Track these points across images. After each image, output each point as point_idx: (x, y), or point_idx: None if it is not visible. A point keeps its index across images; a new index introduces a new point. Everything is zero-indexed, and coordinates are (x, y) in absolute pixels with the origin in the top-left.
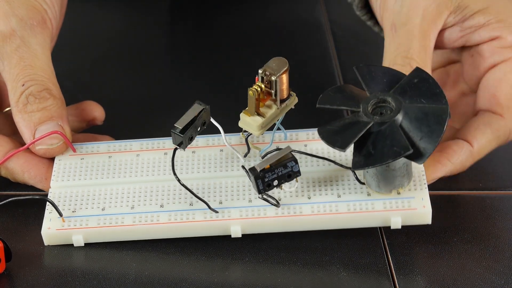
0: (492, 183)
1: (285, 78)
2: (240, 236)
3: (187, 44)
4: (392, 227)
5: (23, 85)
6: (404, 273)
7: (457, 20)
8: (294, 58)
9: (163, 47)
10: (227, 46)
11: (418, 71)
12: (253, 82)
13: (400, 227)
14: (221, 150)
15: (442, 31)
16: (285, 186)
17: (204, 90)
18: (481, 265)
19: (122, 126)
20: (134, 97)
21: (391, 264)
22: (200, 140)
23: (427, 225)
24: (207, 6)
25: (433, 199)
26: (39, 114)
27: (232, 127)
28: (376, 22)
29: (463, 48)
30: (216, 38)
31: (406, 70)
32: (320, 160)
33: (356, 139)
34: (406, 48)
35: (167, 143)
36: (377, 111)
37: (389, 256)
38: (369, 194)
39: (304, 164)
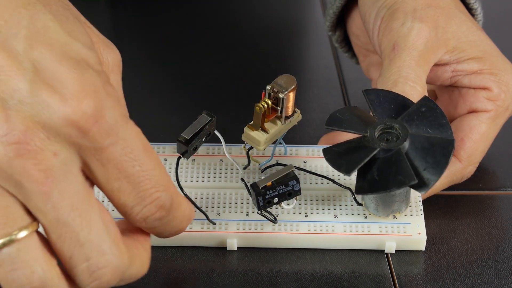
0: (492, 183)
1: (292, 96)
2: (236, 249)
3: (185, 44)
4: (386, 251)
5: None
6: (404, 272)
7: (452, 60)
8: (294, 59)
9: (164, 47)
10: (224, 47)
11: (426, 100)
12: (254, 84)
13: (394, 251)
14: (221, 160)
15: (435, 68)
16: (284, 203)
17: (206, 93)
18: (481, 265)
19: None
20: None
21: (391, 264)
22: (200, 149)
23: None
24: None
25: (434, 199)
26: None
27: (232, 131)
28: (354, 55)
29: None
30: (214, 37)
31: (406, 91)
32: (319, 178)
33: (362, 164)
34: (408, 71)
35: (168, 148)
36: (383, 137)
37: (389, 256)
38: (365, 217)
39: (303, 181)
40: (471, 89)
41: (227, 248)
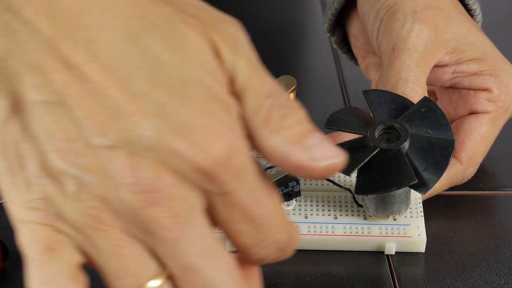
0: (492, 183)
1: (292, 97)
2: (235, 249)
3: None
4: (385, 253)
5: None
6: (405, 273)
7: (452, 62)
8: (294, 59)
9: None
10: None
11: (426, 101)
12: None
13: (393, 253)
14: None
15: (435, 69)
16: (283, 204)
17: None
18: (481, 265)
19: None
20: None
21: (391, 264)
22: None
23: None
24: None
25: (434, 199)
26: (300, 127)
27: None
28: (353, 56)
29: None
30: None
31: (407, 93)
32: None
33: (362, 164)
34: (407, 73)
35: None
36: (383, 137)
37: (389, 256)
38: (365, 218)
39: (303, 182)
40: (471, 91)
41: (227, 248)
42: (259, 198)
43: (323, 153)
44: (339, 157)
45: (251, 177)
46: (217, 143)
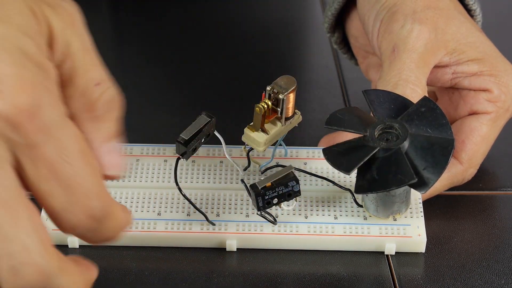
0: (492, 183)
1: (292, 97)
2: (235, 250)
3: (185, 45)
4: (386, 253)
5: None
6: (405, 273)
7: (452, 62)
8: (294, 59)
9: (165, 48)
10: (224, 47)
11: (425, 100)
12: (254, 84)
13: (393, 253)
14: (221, 162)
15: (435, 69)
16: (284, 204)
17: (206, 93)
18: (481, 265)
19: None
20: (134, 100)
21: (391, 264)
22: (200, 150)
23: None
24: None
25: (434, 199)
26: (114, 127)
27: (232, 132)
28: (353, 56)
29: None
30: (214, 38)
31: (407, 94)
32: (319, 179)
33: (361, 163)
34: (408, 74)
35: (168, 150)
36: (383, 137)
37: (389, 256)
38: (365, 218)
39: (303, 183)
40: (471, 91)
41: (227, 249)
42: (70, 159)
43: (114, 161)
44: (121, 170)
45: (63, 136)
46: (24, 92)
